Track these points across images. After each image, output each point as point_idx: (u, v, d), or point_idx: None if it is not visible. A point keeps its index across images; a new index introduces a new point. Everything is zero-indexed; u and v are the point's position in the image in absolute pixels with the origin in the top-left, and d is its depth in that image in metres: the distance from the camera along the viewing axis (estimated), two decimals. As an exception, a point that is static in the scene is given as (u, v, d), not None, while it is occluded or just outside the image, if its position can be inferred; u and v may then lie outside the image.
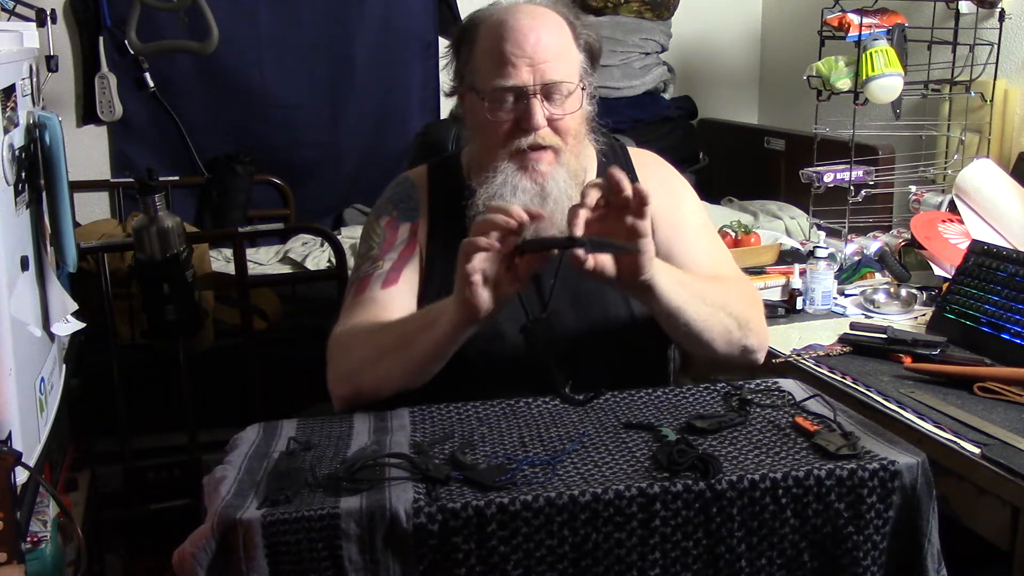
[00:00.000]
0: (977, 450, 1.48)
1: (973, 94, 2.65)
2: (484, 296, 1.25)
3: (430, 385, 1.41)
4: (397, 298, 1.49)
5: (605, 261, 1.26)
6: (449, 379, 1.41)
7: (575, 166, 1.46)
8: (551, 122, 1.43)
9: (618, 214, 1.25)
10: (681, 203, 1.58)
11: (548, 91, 1.42)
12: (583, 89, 1.47)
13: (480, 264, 1.24)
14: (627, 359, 1.50)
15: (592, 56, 1.52)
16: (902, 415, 1.63)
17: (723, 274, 1.53)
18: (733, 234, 2.57)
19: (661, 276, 1.31)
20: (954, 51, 2.65)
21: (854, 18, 2.52)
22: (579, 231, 1.22)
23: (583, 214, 1.24)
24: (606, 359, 1.48)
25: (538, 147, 1.43)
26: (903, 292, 2.26)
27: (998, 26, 2.58)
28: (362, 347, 1.42)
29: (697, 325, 1.37)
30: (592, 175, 1.54)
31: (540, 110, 1.42)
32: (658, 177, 1.61)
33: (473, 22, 1.50)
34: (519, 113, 1.42)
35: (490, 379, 1.43)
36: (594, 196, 1.25)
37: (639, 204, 1.24)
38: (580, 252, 1.23)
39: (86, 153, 3.35)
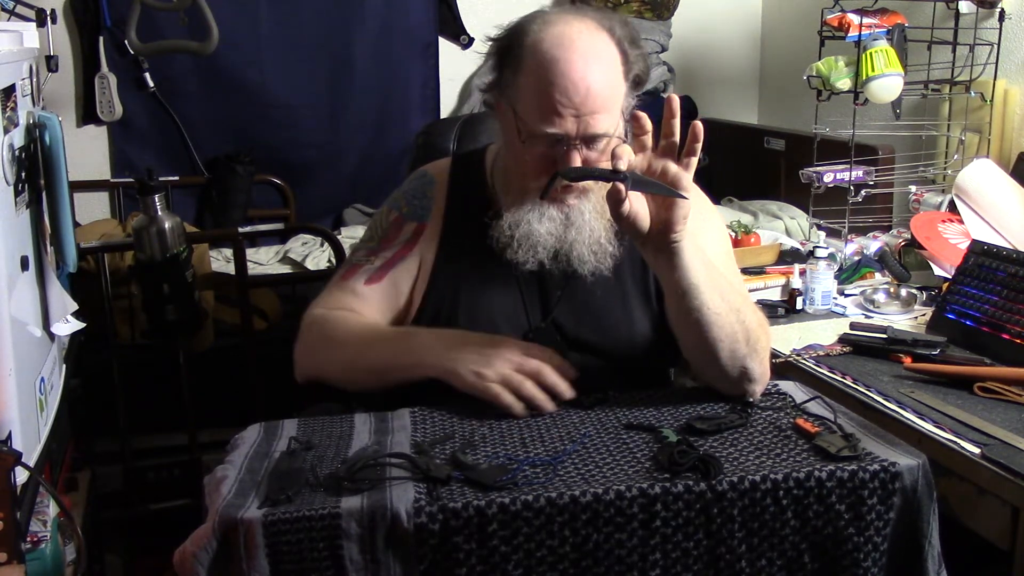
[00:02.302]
0: (977, 450, 1.48)
1: (973, 94, 2.65)
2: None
3: (428, 391, 1.41)
4: (376, 297, 1.53)
5: (640, 211, 1.23)
6: (435, 389, 1.41)
7: (602, 203, 1.40)
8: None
9: (663, 161, 1.22)
10: (703, 227, 1.47)
11: (589, 140, 1.39)
12: (625, 120, 1.42)
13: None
14: (628, 377, 1.48)
15: (638, 84, 1.47)
16: (902, 415, 1.63)
17: None
18: (733, 234, 2.57)
19: (688, 246, 1.27)
20: (954, 51, 2.65)
21: (854, 18, 2.52)
22: (623, 166, 1.20)
23: (628, 149, 1.21)
24: (607, 377, 1.46)
25: (569, 188, 1.42)
26: (903, 292, 2.26)
27: (998, 26, 2.58)
28: (335, 351, 1.48)
29: (708, 315, 1.30)
30: None
31: (578, 158, 1.38)
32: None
33: (521, 38, 1.40)
34: (556, 155, 1.39)
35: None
36: (646, 127, 1.23)
37: (692, 141, 1.22)
38: (620, 186, 1.19)
39: (86, 153, 3.35)
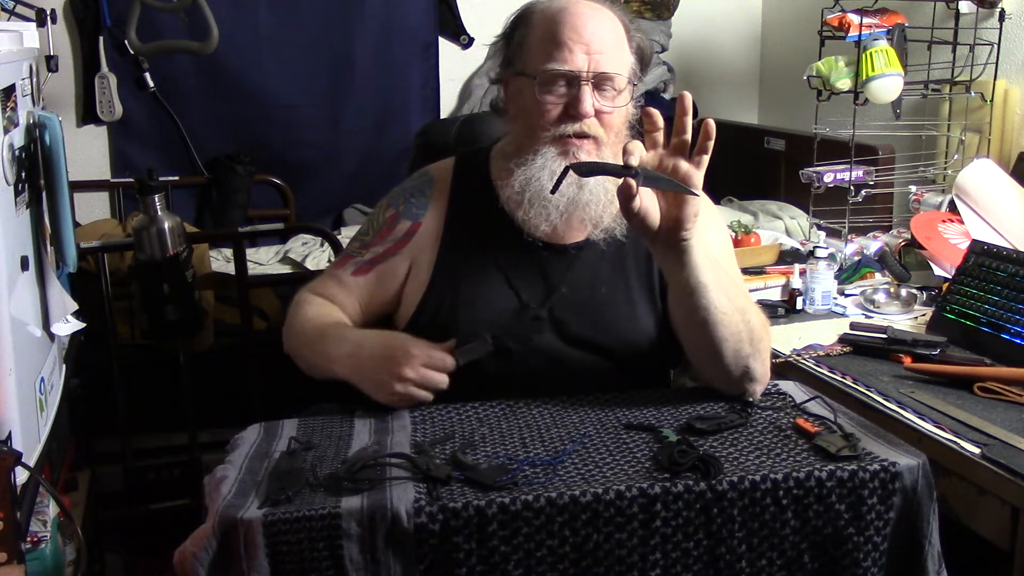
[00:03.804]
0: (977, 450, 1.48)
1: (973, 94, 2.65)
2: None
3: None
4: (359, 289, 1.57)
5: (650, 208, 1.23)
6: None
7: (615, 161, 1.39)
8: (598, 113, 1.43)
9: (674, 159, 1.23)
10: (706, 227, 1.44)
11: (600, 81, 1.42)
12: (633, 85, 1.47)
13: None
14: (628, 376, 1.48)
15: (642, 60, 1.51)
16: (902, 415, 1.63)
17: None
18: (733, 234, 2.57)
19: (697, 245, 1.27)
20: (954, 51, 2.65)
21: (854, 18, 2.52)
22: (634, 162, 1.20)
23: (639, 146, 1.22)
24: (607, 374, 1.47)
25: (582, 135, 1.42)
26: (903, 292, 2.26)
27: (998, 26, 2.59)
28: (305, 341, 1.53)
29: (714, 315, 1.31)
30: None
31: (590, 98, 1.42)
32: None
33: (529, 10, 1.51)
34: (569, 99, 1.42)
35: (474, 389, 1.42)
36: (658, 123, 1.24)
37: (704, 139, 1.22)
38: (631, 182, 1.20)
39: (86, 153, 3.35)
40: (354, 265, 1.57)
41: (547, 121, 1.43)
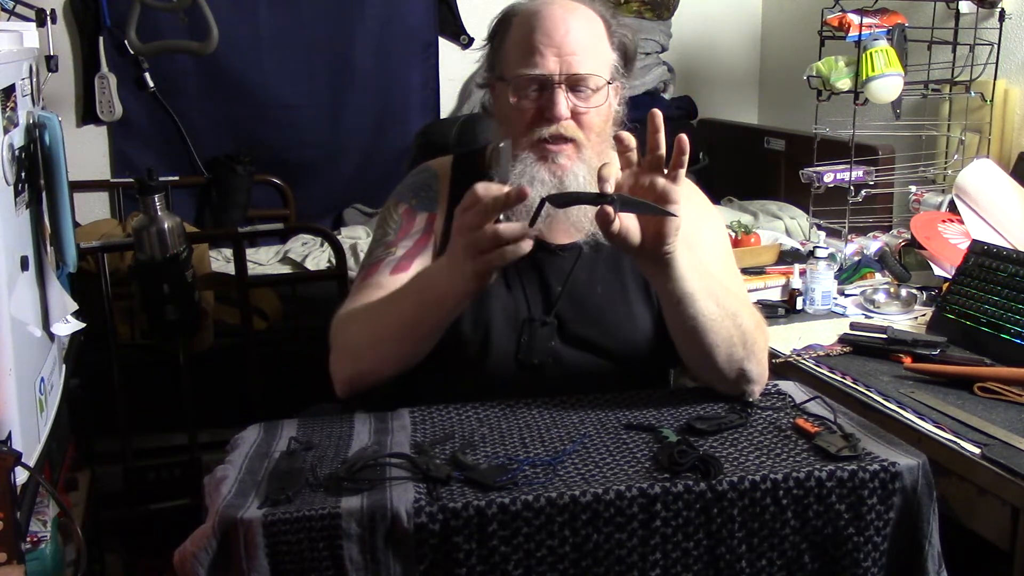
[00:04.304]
0: (977, 450, 1.48)
1: (973, 94, 2.65)
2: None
3: (428, 391, 1.41)
4: None
5: (630, 226, 1.22)
6: (434, 386, 1.42)
7: (596, 164, 1.38)
8: (575, 115, 1.41)
9: (650, 175, 1.21)
10: (701, 228, 1.49)
11: (574, 83, 1.41)
12: (609, 83, 1.45)
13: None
14: (628, 376, 1.48)
15: (626, 56, 1.49)
16: (902, 415, 1.63)
17: None
18: (733, 234, 2.57)
19: (682, 255, 1.26)
20: (954, 51, 2.65)
21: (854, 18, 2.52)
22: (609, 188, 1.19)
23: (615, 171, 1.21)
24: (607, 375, 1.46)
25: (559, 138, 1.41)
26: (903, 292, 2.26)
27: (998, 26, 2.59)
28: (360, 328, 1.42)
29: (704, 322, 1.31)
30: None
31: (563, 100, 1.40)
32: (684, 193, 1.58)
33: (510, 12, 1.49)
34: (543, 102, 1.41)
35: (473, 388, 1.42)
36: (630, 145, 1.22)
37: (678, 154, 1.21)
38: (609, 210, 1.19)
39: (86, 153, 3.35)
40: (389, 266, 1.49)
41: (523, 126, 1.42)
